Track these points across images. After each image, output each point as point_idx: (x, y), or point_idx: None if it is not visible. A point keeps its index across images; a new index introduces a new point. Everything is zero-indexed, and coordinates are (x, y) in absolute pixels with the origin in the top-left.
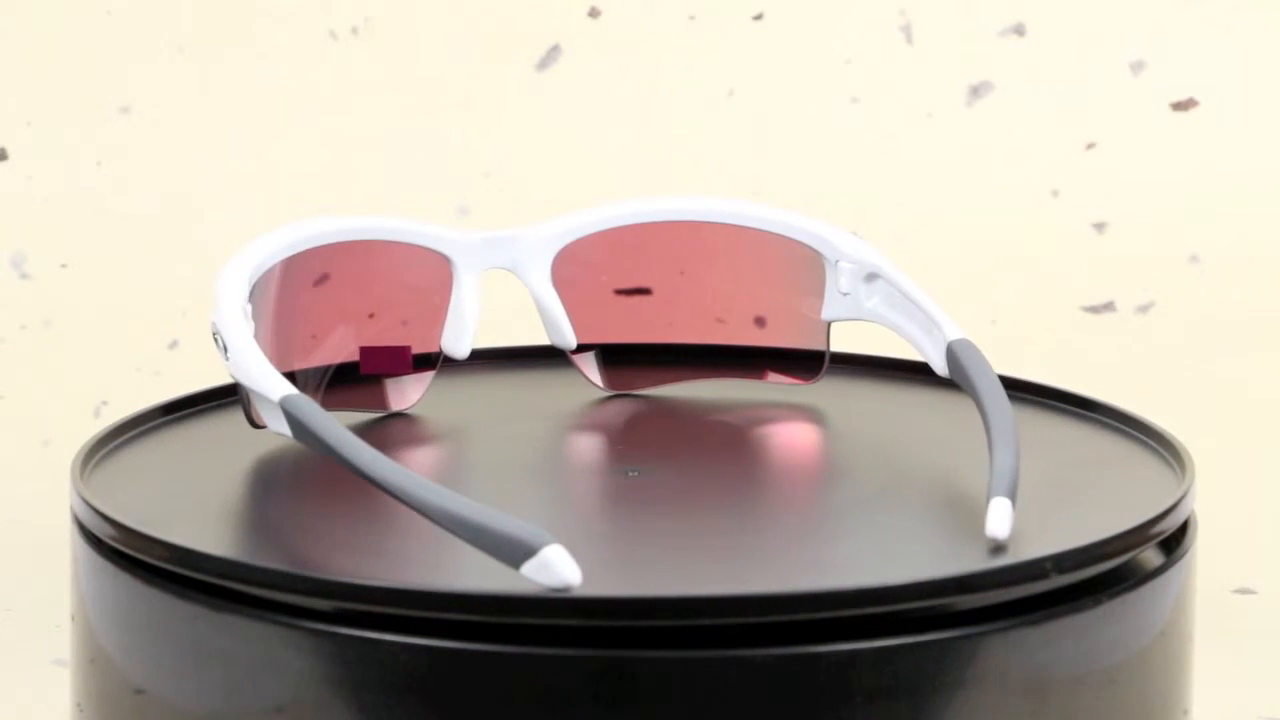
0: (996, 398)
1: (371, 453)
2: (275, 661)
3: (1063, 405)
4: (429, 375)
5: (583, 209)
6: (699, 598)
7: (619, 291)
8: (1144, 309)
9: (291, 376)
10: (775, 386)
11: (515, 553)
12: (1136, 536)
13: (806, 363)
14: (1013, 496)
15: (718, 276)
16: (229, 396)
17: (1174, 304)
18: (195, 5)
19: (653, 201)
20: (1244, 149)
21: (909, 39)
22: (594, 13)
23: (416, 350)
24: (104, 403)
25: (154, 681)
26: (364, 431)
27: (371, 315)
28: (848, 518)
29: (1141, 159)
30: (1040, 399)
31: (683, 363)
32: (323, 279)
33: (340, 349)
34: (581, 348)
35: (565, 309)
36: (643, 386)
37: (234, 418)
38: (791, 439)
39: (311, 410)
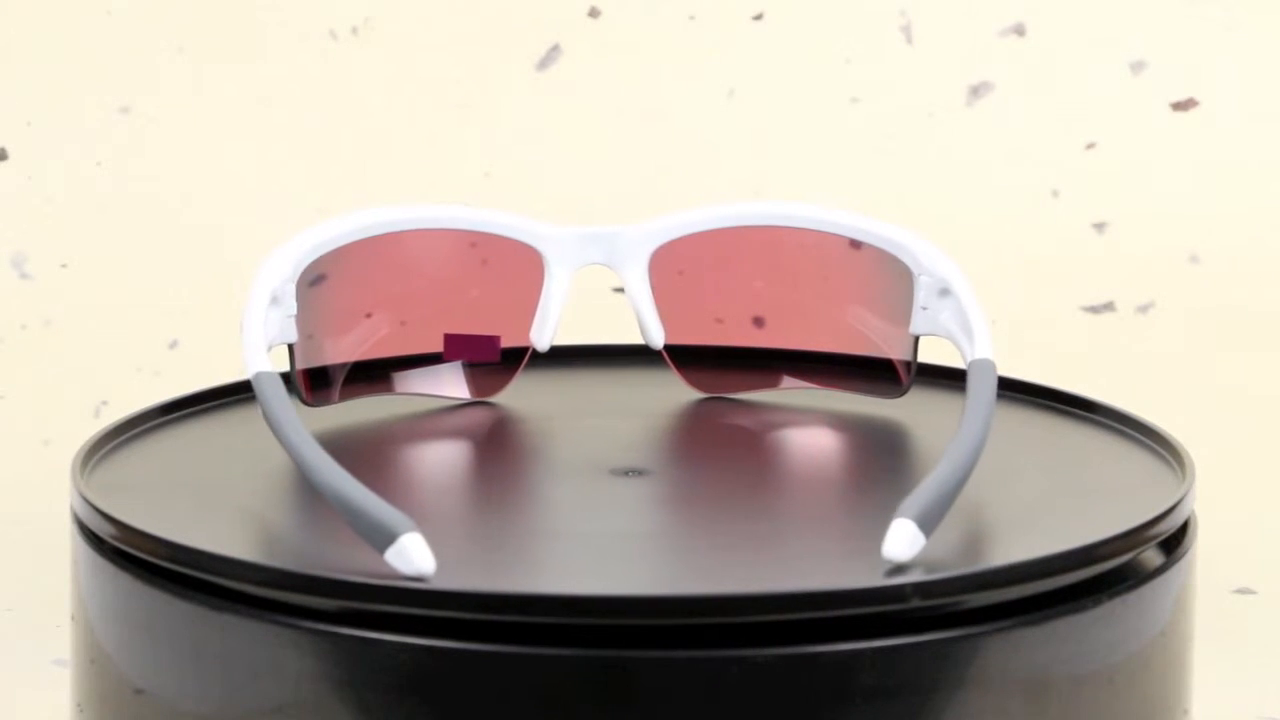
0: (974, 424)
1: (301, 434)
2: (275, 661)
3: (1063, 406)
4: (508, 366)
5: (682, 209)
6: (699, 597)
7: (618, 290)
8: (1144, 309)
9: (320, 369)
10: (855, 398)
11: (380, 538)
12: (1136, 537)
13: (894, 376)
14: (924, 521)
15: (809, 284)
16: (229, 396)
17: (1174, 304)
18: (195, 5)
19: (753, 205)
20: (1244, 149)
21: (909, 39)
22: (594, 13)
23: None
24: (104, 403)
25: (154, 681)
26: (423, 418)
27: (453, 304)
28: (852, 520)
29: (1141, 159)
30: (1040, 399)
31: (772, 368)
32: (399, 265)
33: (420, 336)
34: (672, 349)
35: (657, 308)
36: (733, 391)
37: (234, 417)
38: (811, 445)
39: (271, 388)
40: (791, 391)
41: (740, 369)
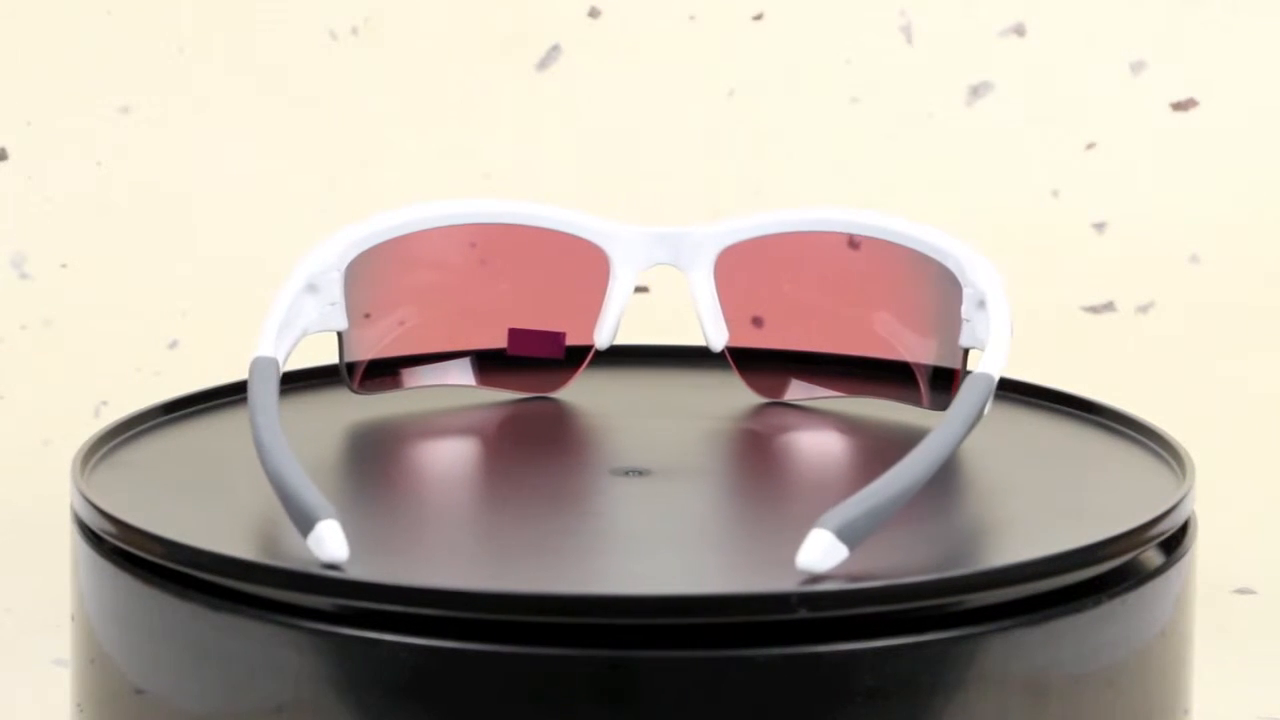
0: (938, 442)
1: (268, 418)
2: (275, 661)
3: (1063, 406)
4: (568, 363)
5: (751, 211)
6: (699, 597)
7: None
8: (1144, 309)
9: (370, 357)
10: (901, 408)
11: (303, 523)
12: (1136, 537)
13: (948, 387)
14: (846, 533)
15: (874, 293)
16: (229, 396)
17: (1174, 304)
18: (195, 5)
19: (822, 211)
20: (1244, 149)
21: (909, 39)
22: (594, 13)
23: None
24: (104, 403)
25: (154, 681)
26: (461, 412)
27: (515, 299)
28: None
29: (1141, 159)
30: (1041, 400)
31: (830, 374)
32: (460, 259)
33: (477, 330)
34: (736, 352)
35: (722, 309)
36: (792, 396)
37: (234, 417)
38: (832, 449)
39: (261, 371)
40: (847, 400)
41: (800, 374)
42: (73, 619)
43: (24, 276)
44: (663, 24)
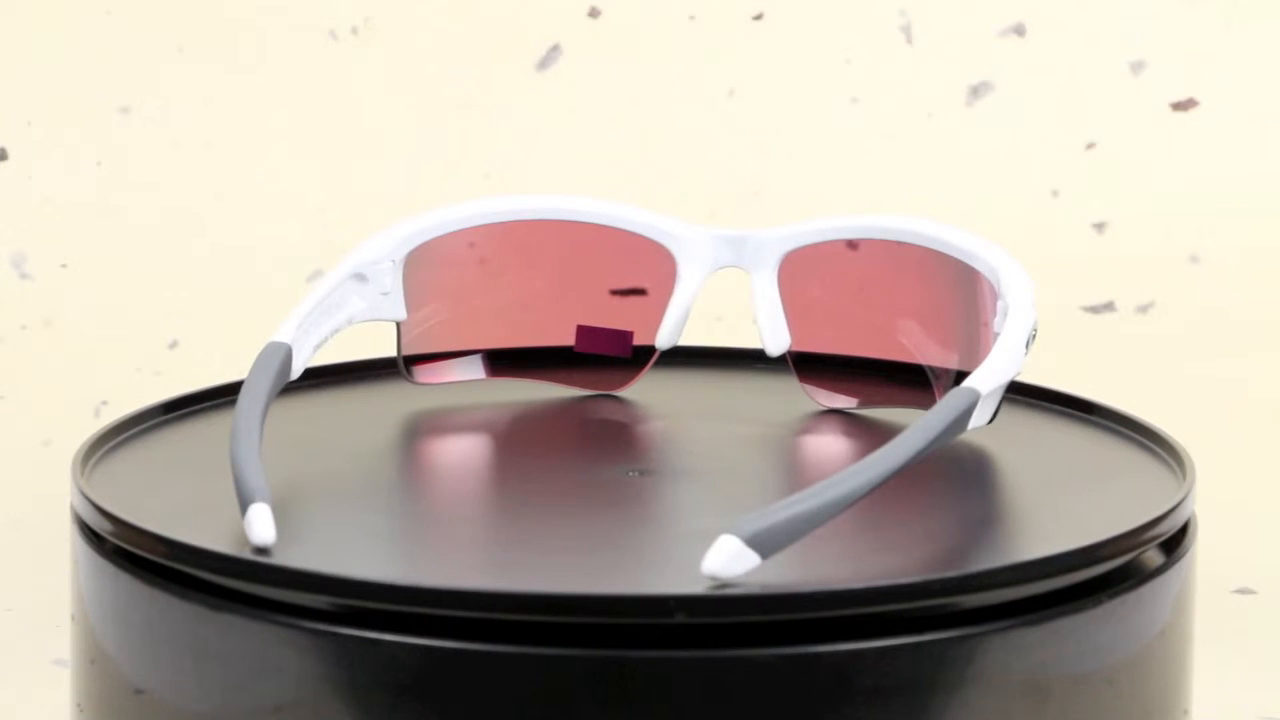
0: (886, 455)
1: (251, 403)
2: (275, 661)
3: (1062, 407)
4: (633, 362)
5: (816, 215)
6: (699, 597)
7: (615, 292)
8: (1144, 309)
9: (428, 349)
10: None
11: (241, 505)
12: (1136, 537)
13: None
14: (759, 540)
15: (928, 301)
16: (229, 395)
17: (1174, 304)
18: (195, 5)
19: (886, 219)
20: (1244, 149)
21: (909, 39)
22: (594, 13)
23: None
24: (104, 403)
25: (154, 681)
26: (495, 409)
27: (578, 296)
28: (851, 522)
29: (1141, 159)
30: (1041, 401)
31: (886, 383)
32: (526, 253)
33: (537, 325)
34: (798, 357)
35: (785, 313)
36: (847, 404)
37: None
38: (845, 455)
39: (265, 356)
40: (890, 409)
41: (854, 382)
42: (73, 619)
43: (24, 276)
44: (663, 24)
